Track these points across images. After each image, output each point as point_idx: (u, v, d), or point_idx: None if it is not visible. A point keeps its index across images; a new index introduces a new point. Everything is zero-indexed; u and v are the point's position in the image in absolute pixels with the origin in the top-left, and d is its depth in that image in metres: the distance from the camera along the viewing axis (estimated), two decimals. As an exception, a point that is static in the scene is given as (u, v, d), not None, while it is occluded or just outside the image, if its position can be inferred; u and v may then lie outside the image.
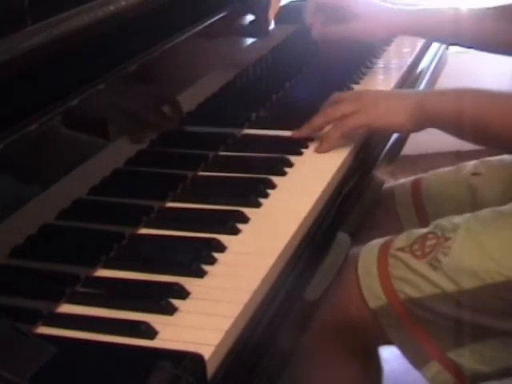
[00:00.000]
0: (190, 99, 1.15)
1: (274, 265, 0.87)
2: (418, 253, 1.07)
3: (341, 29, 1.36)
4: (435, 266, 1.05)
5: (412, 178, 1.38)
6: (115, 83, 0.97)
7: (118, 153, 0.97)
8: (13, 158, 0.81)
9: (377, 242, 1.12)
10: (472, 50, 1.40)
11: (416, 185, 1.35)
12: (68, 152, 0.90)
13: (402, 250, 1.08)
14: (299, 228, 0.95)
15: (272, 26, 1.44)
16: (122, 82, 0.99)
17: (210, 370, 0.72)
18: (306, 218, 0.97)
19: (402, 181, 1.39)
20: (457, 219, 1.11)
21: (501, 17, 1.30)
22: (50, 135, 0.87)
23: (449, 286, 1.04)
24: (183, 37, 1.13)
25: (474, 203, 1.28)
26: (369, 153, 1.19)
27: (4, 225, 0.78)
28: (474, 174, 1.31)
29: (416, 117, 1.11)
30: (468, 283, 1.04)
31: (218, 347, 0.74)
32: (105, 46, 0.97)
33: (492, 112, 1.08)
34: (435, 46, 1.67)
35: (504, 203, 1.23)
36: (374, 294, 1.07)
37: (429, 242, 1.08)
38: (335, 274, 1.07)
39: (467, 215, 1.12)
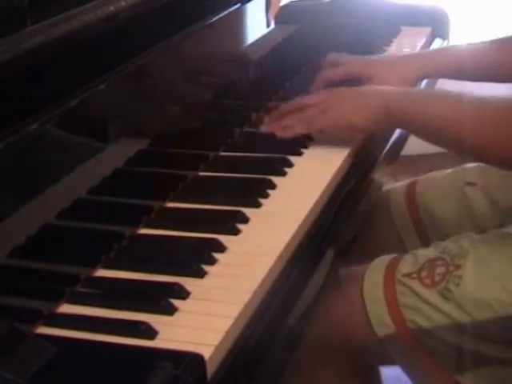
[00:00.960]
0: (189, 99, 1.15)
1: (274, 265, 0.87)
2: (428, 281, 1.05)
3: None
4: (446, 296, 1.03)
5: (407, 181, 1.36)
6: (115, 83, 0.97)
7: (117, 153, 0.97)
8: (13, 158, 0.81)
9: (380, 264, 1.10)
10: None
11: (410, 191, 1.33)
12: (68, 152, 0.90)
13: (409, 276, 1.06)
14: (299, 228, 0.95)
15: (272, 26, 1.44)
16: (122, 82, 0.99)
17: (210, 370, 0.72)
18: (306, 218, 0.97)
19: (397, 184, 1.38)
20: (464, 242, 1.08)
21: (501, 49, 1.29)
22: (50, 135, 0.87)
23: (461, 317, 1.02)
24: (183, 37, 1.13)
25: (469, 213, 1.27)
26: (369, 153, 1.19)
27: (4, 225, 0.78)
28: (469, 183, 1.28)
29: (379, 117, 1.11)
30: (481, 314, 1.02)
31: (218, 347, 0.74)
32: (105, 46, 0.97)
33: (457, 117, 1.05)
34: (435, 46, 1.67)
35: (499, 215, 1.22)
36: (381, 322, 1.06)
37: (438, 270, 1.05)
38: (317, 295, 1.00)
39: (474, 237, 1.10)
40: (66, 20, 0.90)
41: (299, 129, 1.14)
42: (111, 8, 0.97)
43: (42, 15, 0.88)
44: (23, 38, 0.84)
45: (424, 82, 1.41)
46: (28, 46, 0.84)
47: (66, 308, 0.81)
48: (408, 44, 1.63)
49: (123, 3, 0.99)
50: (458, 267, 1.05)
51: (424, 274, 1.06)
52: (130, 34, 1.02)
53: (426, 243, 1.27)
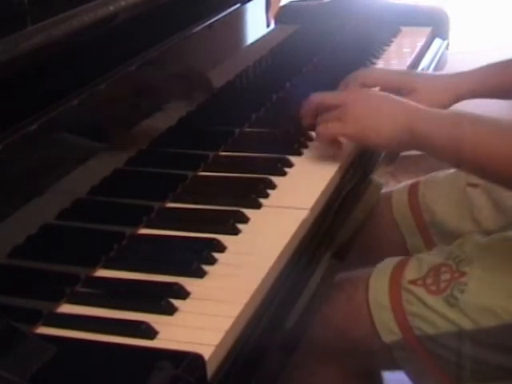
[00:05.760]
0: (189, 99, 1.15)
1: (274, 265, 0.87)
2: (433, 288, 1.05)
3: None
4: (452, 303, 1.03)
5: (409, 182, 1.36)
6: (115, 83, 0.97)
7: (117, 153, 0.97)
8: (13, 158, 0.81)
9: (385, 269, 1.10)
10: (473, 50, 1.39)
11: (412, 192, 1.33)
12: (68, 152, 0.90)
13: (414, 283, 1.06)
14: (299, 228, 0.95)
15: (272, 25, 1.44)
16: (122, 81, 0.99)
17: (210, 370, 0.72)
18: (306, 218, 0.97)
19: (399, 186, 1.37)
20: (469, 247, 1.08)
21: None
22: (50, 135, 0.87)
23: (466, 324, 1.02)
24: (183, 37, 1.13)
25: (471, 214, 1.26)
26: (369, 153, 1.19)
27: (4, 225, 0.78)
28: (471, 184, 1.28)
29: (403, 139, 1.03)
30: (486, 321, 1.01)
31: (217, 347, 0.74)
32: (105, 46, 0.97)
33: (491, 143, 0.98)
34: (435, 45, 1.67)
35: (501, 216, 1.22)
36: (387, 328, 1.06)
37: (443, 276, 1.05)
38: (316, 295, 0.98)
39: (479, 241, 1.10)
40: (65, 20, 0.90)
41: (321, 139, 1.11)
42: (111, 8, 0.97)
43: (42, 15, 0.88)
44: (23, 38, 0.84)
45: None
46: (28, 45, 0.84)
47: (66, 308, 0.81)
48: (408, 44, 1.63)
49: (123, 3, 0.99)
50: (463, 274, 1.05)
51: (429, 280, 1.05)
52: (129, 34, 1.02)
53: (428, 243, 1.27)
